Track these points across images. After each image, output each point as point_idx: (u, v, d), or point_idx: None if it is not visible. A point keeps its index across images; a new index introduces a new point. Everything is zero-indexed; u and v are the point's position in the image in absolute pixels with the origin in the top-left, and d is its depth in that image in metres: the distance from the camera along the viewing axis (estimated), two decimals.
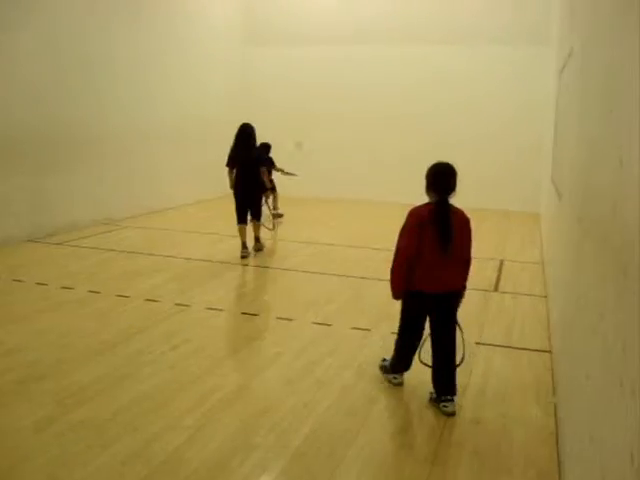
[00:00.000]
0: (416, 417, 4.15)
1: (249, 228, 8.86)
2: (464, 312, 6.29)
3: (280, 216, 11.40)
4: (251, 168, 8.72)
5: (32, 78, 9.44)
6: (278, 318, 6.09)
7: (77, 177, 10.39)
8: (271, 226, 9.91)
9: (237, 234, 8.81)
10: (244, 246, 8.69)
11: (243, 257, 8.54)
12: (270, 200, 10.70)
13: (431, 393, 4.37)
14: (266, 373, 4.85)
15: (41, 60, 9.59)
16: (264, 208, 9.36)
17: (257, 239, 9.07)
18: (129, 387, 4.46)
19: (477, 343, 5.48)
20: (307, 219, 11.96)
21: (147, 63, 12.19)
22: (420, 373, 4.50)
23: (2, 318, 5.93)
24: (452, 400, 4.23)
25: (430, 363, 4.39)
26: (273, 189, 11.15)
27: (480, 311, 6.45)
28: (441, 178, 4.25)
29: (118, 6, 11.25)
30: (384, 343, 5.42)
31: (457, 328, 4.43)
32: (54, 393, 4.32)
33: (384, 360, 4.82)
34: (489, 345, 5.47)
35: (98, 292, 6.81)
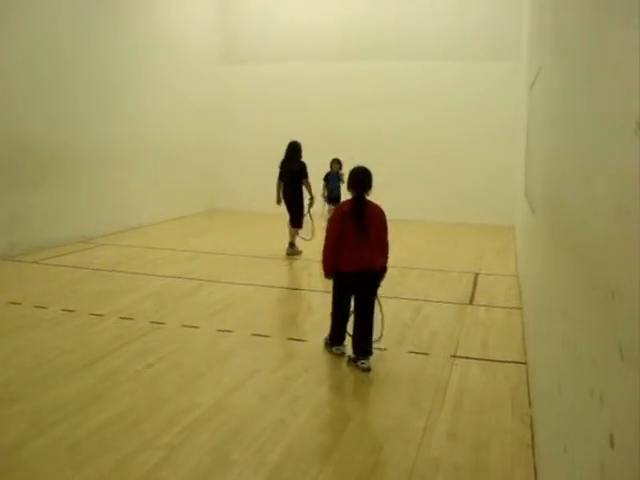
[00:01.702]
0: (392, 432, 4.14)
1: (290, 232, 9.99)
2: (440, 325, 6.38)
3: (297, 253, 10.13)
4: (293, 180, 9.84)
5: (7, 92, 9.36)
6: (253, 335, 6.06)
7: (51, 194, 10.28)
8: (308, 236, 9.88)
9: (211, 251, 9.00)
10: (290, 245, 9.94)
11: (287, 254, 9.85)
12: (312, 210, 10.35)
13: (349, 356, 5.26)
14: (242, 389, 4.83)
15: (18, 75, 9.52)
16: (306, 218, 10.03)
17: (291, 244, 9.98)
18: (104, 406, 4.40)
19: (452, 356, 5.51)
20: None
21: (124, 81, 12.19)
22: (394, 389, 4.50)
23: None
24: (367, 358, 5.12)
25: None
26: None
27: (455, 324, 6.48)
28: (358, 179, 5.21)
29: (96, 24, 11.25)
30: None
31: (378, 304, 5.30)
32: (28, 414, 4.25)
33: (325, 339, 5.55)
34: (465, 358, 5.49)
35: (72, 311, 6.73)
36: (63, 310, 6.75)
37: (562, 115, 3.24)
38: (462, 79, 14.05)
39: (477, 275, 8.79)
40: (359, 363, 5.12)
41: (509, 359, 5.47)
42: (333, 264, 5.18)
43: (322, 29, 15.01)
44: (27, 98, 9.75)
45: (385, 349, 5.63)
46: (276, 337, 6.00)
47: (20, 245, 9.63)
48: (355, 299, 5.28)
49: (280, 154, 9.94)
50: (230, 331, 6.16)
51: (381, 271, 5.23)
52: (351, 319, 5.36)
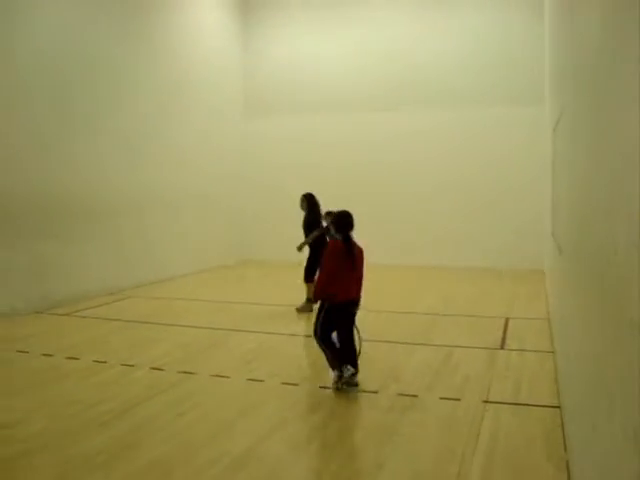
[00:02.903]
0: (427, 478, 4.07)
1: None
2: (471, 371, 6.30)
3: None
4: (305, 232, 9.69)
5: (35, 143, 9.62)
6: (283, 383, 6.05)
7: (81, 246, 10.49)
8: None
9: (241, 301, 9.06)
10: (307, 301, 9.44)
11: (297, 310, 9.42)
12: None
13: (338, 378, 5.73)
14: (273, 438, 4.80)
15: (45, 124, 9.82)
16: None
17: (307, 299, 9.41)
18: (135, 456, 4.40)
19: (485, 401, 5.43)
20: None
21: (151, 130, 12.57)
22: (426, 435, 4.43)
23: (7, 389, 5.91)
24: (356, 370, 5.69)
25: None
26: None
27: (487, 369, 6.40)
28: (346, 221, 5.95)
29: (125, 70, 11.67)
30: (391, 404, 5.39)
31: (355, 329, 5.92)
32: (58, 464, 4.26)
33: (339, 382, 5.74)
34: (497, 403, 5.41)
35: (104, 362, 6.79)
36: (95, 361, 6.81)
37: (580, 153, 3.27)
38: (488, 124, 14.17)
39: (508, 319, 8.70)
40: (344, 368, 5.68)
41: (542, 403, 5.37)
42: (327, 290, 5.81)
43: (341, 79, 15.32)
44: (55, 148, 10.03)
45: (416, 395, 5.59)
46: (305, 385, 5.98)
47: (51, 298, 9.78)
48: (340, 327, 5.88)
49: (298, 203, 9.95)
50: (260, 380, 6.15)
51: (359, 299, 6.04)
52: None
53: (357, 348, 5.87)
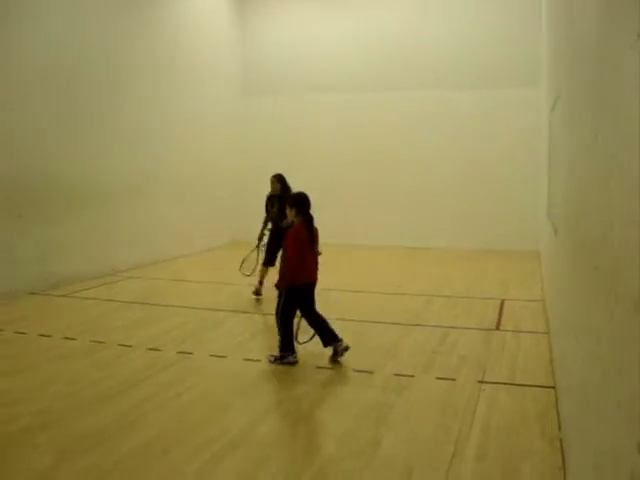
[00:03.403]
0: (421, 457, 4.11)
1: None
2: (467, 351, 6.34)
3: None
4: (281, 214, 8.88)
5: (35, 129, 9.61)
6: (280, 363, 6.08)
7: (80, 228, 10.48)
8: (248, 272, 9.32)
9: (236, 283, 9.22)
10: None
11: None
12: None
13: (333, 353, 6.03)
14: (269, 417, 4.84)
15: (46, 109, 9.79)
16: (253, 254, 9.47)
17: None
18: (133, 435, 4.44)
19: (480, 381, 5.47)
20: None
21: (150, 114, 12.50)
22: (422, 415, 4.46)
23: (6, 369, 5.93)
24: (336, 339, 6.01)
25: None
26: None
27: (482, 350, 6.45)
28: (307, 202, 6.04)
29: (122, 55, 11.57)
30: (386, 384, 5.43)
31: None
32: (58, 441, 4.31)
33: (273, 357, 6.02)
34: (492, 383, 5.46)
35: (101, 342, 6.81)
36: (92, 341, 6.84)
37: (577, 132, 3.27)
38: (484, 105, 14.12)
39: (503, 301, 8.74)
40: (337, 345, 6.00)
41: (537, 383, 5.42)
42: (297, 276, 5.93)
43: (339, 60, 15.26)
44: (52, 133, 9.99)
45: (412, 376, 5.63)
46: (301, 365, 6.00)
47: (50, 279, 9.79)
48: (304, 306, 6.08)
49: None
50: (257, 360, 6.19)
51: (316, 281, 6.21)
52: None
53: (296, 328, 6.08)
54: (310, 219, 6.02)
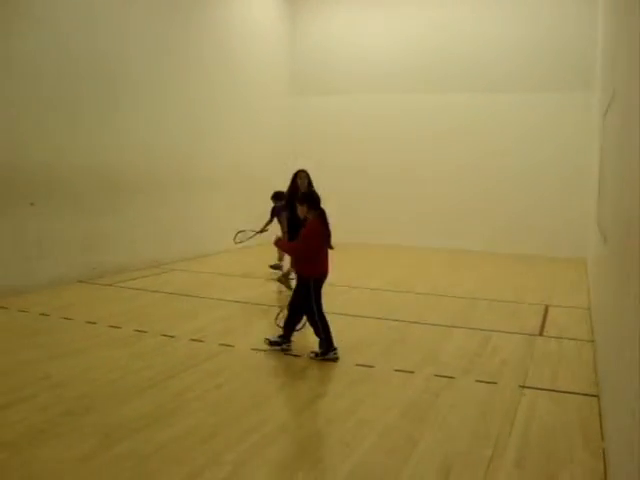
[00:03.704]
0: (459, 459, 4.07)
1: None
2: (509, 355, 6.27)
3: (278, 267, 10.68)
4: None
5: (83, 122, 9.84)
6: (321, 359, 6.10)
7: (127, 220, 10.69)
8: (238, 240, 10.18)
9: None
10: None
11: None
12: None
13: (314, 352, 6.11)
14: (308, 412, 4.87)
15: (92, 103, 10.01)
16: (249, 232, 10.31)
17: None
18: (173, 423, 4.51)
19: (521, 386, 5.41)
20: (347, 263, 12.02)
21: (199, 110, 12.68)
22: (462, 417, 4.43)
23: (52, 353, 6.09)
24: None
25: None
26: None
27: (524, 355, 6.36)
28: (318, 199, 6.19)
29: (173, 53, 11.76)
30: (427, 385, 5.41)
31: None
32: (100, 426, 4.40)
33: (314, 353, 6.11)
34: (534, 388, 5.38)
35: (145, 331, 6.94)
36: (136, 331, 6.97)
37: (632, 139, 3.20)
38: (531, 109, 13.92)
39: (547, 307, 8.61)
40: (286, 346, 6.30)
41: (580, 391, 5.32)
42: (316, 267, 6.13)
43: (392, 61, 15.21)
44: (105, 126, 10.23)
45: (453, 377, 5.59)
46: (343, 361, 6.02)
47: (98, 269, 10.01)
48: (304, 296, 6.16)
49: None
50: (298, 355, 6.22)
51: None
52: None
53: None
54: (323, 213, 6.15)
